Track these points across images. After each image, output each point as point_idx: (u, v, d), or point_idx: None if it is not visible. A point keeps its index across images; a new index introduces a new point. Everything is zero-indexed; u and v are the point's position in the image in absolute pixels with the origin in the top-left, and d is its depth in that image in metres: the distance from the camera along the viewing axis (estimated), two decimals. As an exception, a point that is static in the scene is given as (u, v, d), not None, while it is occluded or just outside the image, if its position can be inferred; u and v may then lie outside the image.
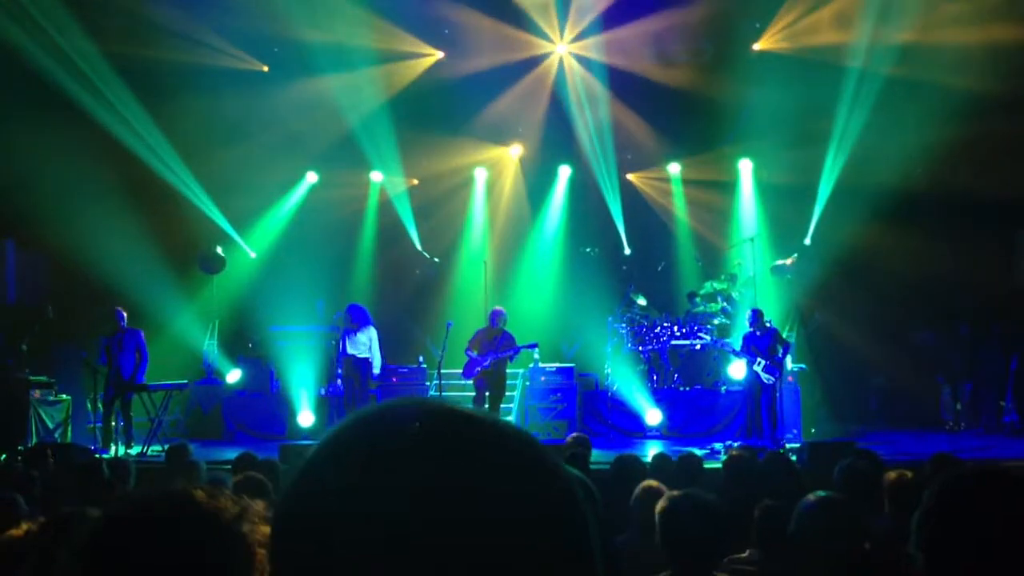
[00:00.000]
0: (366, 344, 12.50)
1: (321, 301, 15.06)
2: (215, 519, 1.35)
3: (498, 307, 12.69)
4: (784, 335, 12.09)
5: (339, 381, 12.96)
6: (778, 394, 11.38)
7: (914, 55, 13.04)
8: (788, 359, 11.90)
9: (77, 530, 2.37)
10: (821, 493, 3.55)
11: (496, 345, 12.13)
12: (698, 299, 13.96)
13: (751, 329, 11.58)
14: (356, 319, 12.53)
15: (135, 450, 11.56)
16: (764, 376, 11.33)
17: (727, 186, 15.88)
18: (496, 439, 0.85)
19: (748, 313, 11.81)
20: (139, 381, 11.84)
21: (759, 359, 11.37)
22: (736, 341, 12.14)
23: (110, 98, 13.51)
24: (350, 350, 12.48)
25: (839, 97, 14.10)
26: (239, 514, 1.36)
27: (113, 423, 11.75)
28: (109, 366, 11.78)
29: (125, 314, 12.03)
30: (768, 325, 11.69)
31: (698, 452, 11.17)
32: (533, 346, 12.70)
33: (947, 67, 12.57)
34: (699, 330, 13.44)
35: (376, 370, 12.63)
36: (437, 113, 15.05)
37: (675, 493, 3.60)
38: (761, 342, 11.46)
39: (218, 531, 1.34)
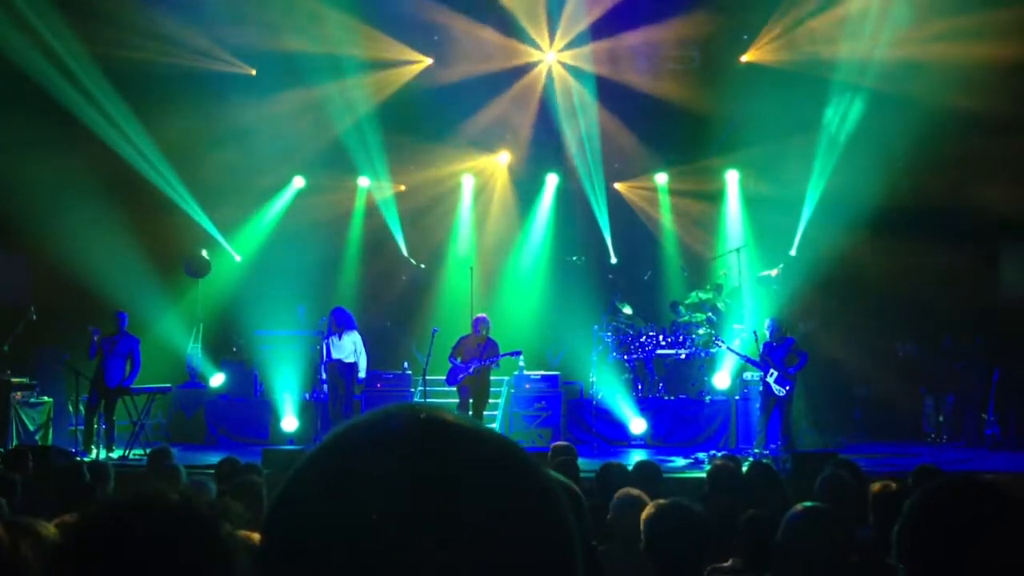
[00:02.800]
0: (351, 349, 12.43)
1: (303, 306, 15.00)
2: (190, 521, 1.34)
3: (481, 314, 12.66)
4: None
5: (324, 386, 12.90)
6: (789, 405, 11.38)
7: (900, 70, 13.15)
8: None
9: (40, 536, 2.36)
10: (808, 504, 3.56)
11: (480, 352, 12.11)
12: (681, 308, 13.99)
13: (769, 339, 11.58)
14: (341, 323, 12.46)
15: (117, 453, 11.49)
16: (775, 388, 11.33)
17: (714, 197, 15.93)
18: (482, 448, 0.85)
19: (767, 322, 11.79)
20: (125, 385, 11.78)
21: (772, 370, 11.38)
22: (746, 348, 12.17)
23: (96, 99, 13.45)
24: (335, 355, 12.41)
25: (825, 109, 14.20)
26: (217, 516, 1.36)
27: (96, 426, 11.68)
28: (95, 367, 11.70)
29: (127, 318, 11.98)
30: (785, 336, 11.67)
31: (681, 461, 11.30)
32: (517, 353, 12.68)
33: (932, 82, 12.67)
34: (685, 340, 13.47)
35: (362, 374, 12.57)
36: (425, 119, 15.05)
37: (661, 502, 3.61)
38: (776, 353, 11.44)
39: (192, 532, 1.34)
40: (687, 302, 14.09)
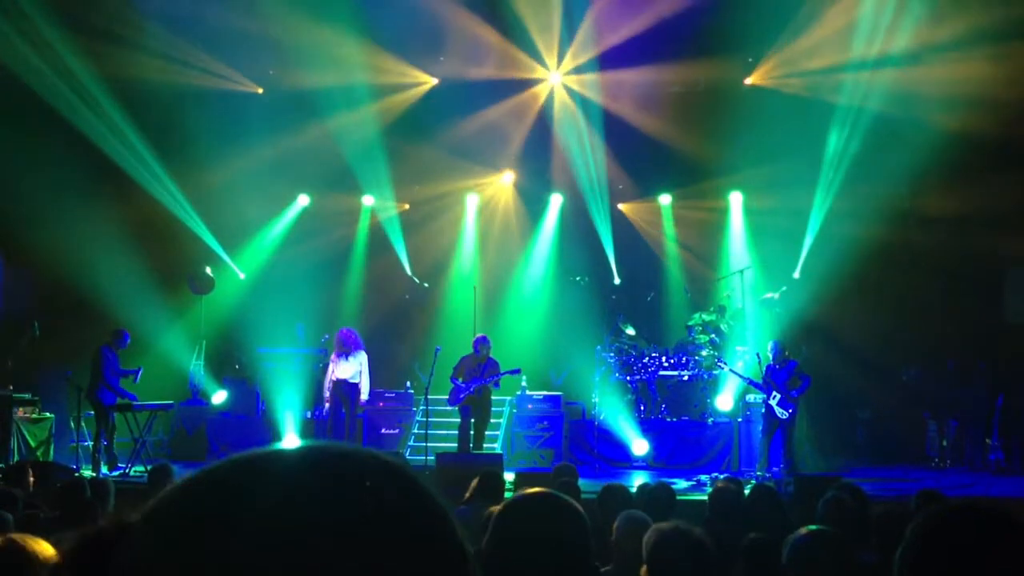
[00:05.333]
0: (356, 369, 12.45)
1: (301, 324, 14.98)
2: None
3: (481, 334, 12.69)
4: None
5: (326, 404, 12.90)
6: (791, 428, 11.34)
7: (904, 92, 13.18)
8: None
9: (36, 555, 2.36)
10: (814, 527, 3.54)
11: (481, 372, 12.13)
12: (696, 331, 13.97)
13: (772, 361, 11.56)
14: (348, 343, 12.48)
15: (118, 471, 11.47)
16: (778, 411, 11.30)
17: (718, 218, 15.95)
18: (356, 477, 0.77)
19: (770, 345, 11.77)
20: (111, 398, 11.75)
21: (775, 393, 11.35)
22: (749, 370, 12.15)
23: (102, 115, 13.50)
24: (339, 374, 12.43)
25: (830, 131, 14.22)
26: None
27: (98, 443, 11.65)
28: (110, 383, 11.67)
29: (128, 336, 12.00)
30: (788, 359, 11.65)
31: (683, 483, 11.25)
32: (516, 371, 12.67)
33: (937, 104, 12.71)
34: (688, 361, 13.44)
35: (364, 396, 12.60)
36: (430, 138, 15.11)
37: (663, 525, 3.59)
38: (779, 376, 11.41)
39: None
40: (689, 323, 14.08)
